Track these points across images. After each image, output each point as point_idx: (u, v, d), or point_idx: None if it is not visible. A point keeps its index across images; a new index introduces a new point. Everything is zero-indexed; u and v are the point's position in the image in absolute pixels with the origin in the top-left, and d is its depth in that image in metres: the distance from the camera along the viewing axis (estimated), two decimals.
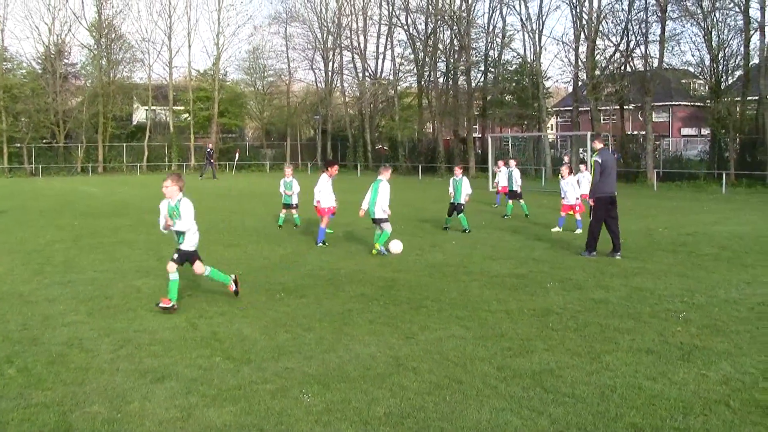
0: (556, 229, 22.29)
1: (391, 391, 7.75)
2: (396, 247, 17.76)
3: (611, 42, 54.68)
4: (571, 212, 22.55)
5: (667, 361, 8.82)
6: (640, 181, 49.40)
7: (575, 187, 22.64)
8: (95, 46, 71.41)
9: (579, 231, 21.51)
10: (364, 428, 6.80)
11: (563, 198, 22.67)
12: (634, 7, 52.42)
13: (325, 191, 19.24)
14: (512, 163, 29.66)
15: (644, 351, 9.24)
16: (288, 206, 23.24)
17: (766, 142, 45.37)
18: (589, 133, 41.18)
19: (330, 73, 77.19)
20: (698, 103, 62.75)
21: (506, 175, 29.08)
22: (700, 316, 11.11)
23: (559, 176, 23.73)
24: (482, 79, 65.61)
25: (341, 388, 7.86)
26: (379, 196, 17.86)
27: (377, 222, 18.05)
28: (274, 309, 11.67)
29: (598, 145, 18.00)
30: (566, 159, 43.43)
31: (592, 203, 17.71)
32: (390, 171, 18.76)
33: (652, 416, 7.07)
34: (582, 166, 25.46)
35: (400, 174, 64.00)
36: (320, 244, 18.98)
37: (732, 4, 48.35)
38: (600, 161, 17.32)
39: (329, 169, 19.50)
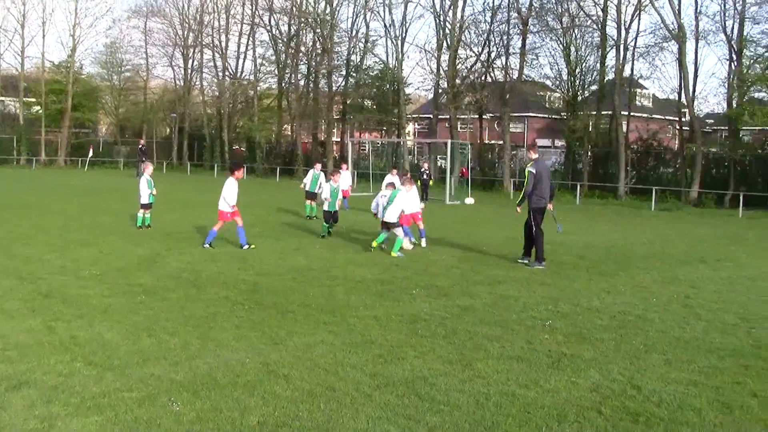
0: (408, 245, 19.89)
1: (263, 399, 7.53)
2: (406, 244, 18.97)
3: (473, 52, 55.69)
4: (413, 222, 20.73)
5: (537, 368, 8.89)
6: (497, 190, 50.34)
7: (415, 196, 20.71)
8: None
9: (424, 242, 20.50)
10: None
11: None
12: (497, 19, 53.58)
13: (235, 195, 18.70)
14: (318, 166, 29.87)
15: (514, 358, 9.28)
16: (147, 206, 22.52)
17: (618, 155, 46.87)
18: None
19: (189, 71, 75.98)
20: (554, 116, 64.41)
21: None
22: (565, 325, 11.28)
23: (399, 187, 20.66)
24: (343, 83, 65.63)
25: (211, 396, 7.59)
26: (395, 204, 18.68)
27: (389, 226, 18.75)
28: (136, 312, 11.24)
29: (533, 155, 17.98)
30: (425, 166, 43.73)
31: (518, 211, 18.27)
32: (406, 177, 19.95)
33: (528, 424, 7.08)
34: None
35: (257, 176, 63.47)
36: (207, 246, 18.52)
37: (590, 22, 49.89)
38: (534, 172, 17.33)
39: (236, 172, 19.00)
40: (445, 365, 8.93)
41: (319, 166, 29.84)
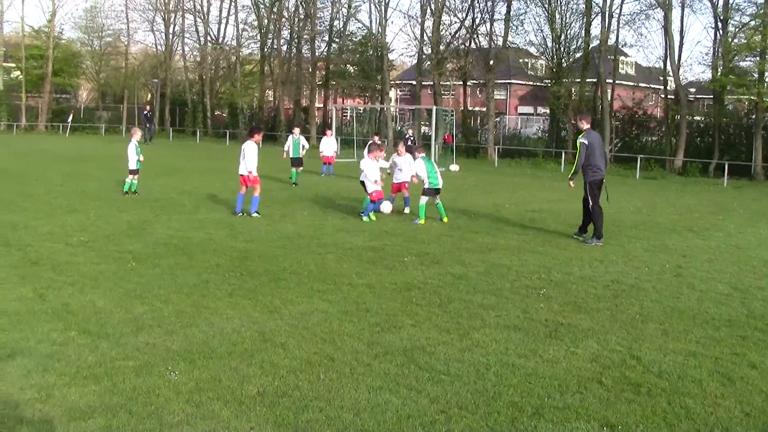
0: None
1: (261, 369, 7.44)
2: (387, 207, 18.82)
3: (457, 18, 55.38)
4: (401, 191, 20.48)
5: (535, 338, 8.84)
6: (481, 157, 50.27)
7: (411, 164, 20.04)
8: None
9: (407, 210, 20.34)
10: (239, 408, 6.47)
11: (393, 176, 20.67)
12: None
13: (255, 160, 18.78)
14: (296, 131, 29.98)
15: (511, 328, 9.23)
16: (135, 172, 22.32)
17: (603, 123, 46.82)
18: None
19: (171, 36, 75.24)
20: (537, 83, 64.28)
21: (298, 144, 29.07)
22: (559, 293, 11.24)
23: (395, 153, 20.98)
24: (326, 49, 65.22)
25: (209, 365, 7.49)
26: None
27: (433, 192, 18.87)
28: (127, 279, 11.11)
29: (585, 126, 17.18)
30: (410, 132, 43.52)
31: (571, 185, 17.29)
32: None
33: (530, 395, 7.02)
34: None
35: (240, 142, 62.95)
36: (255, 214, 18.45)
37: None
38: (586, 143, 16.41)
39: (255, 135, 19.23)
40: (442, 334, 8.86)
41: (297, 130, 29.81)
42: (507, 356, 8.11)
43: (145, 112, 58.83)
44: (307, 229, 16.86)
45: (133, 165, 22.32)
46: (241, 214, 18.53)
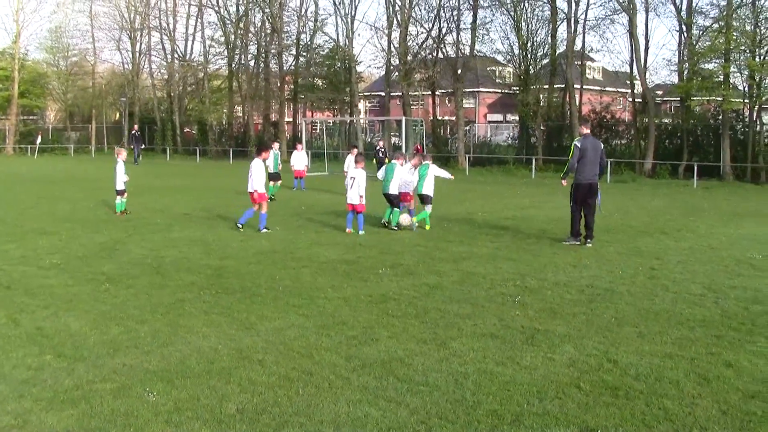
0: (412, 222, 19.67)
1: (240, 386, 7.42)
2: (406, 220, 19.13)
3: (424, 28, 55.52)
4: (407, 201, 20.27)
5: (512, 345, 8.87)
6: (452, 165, 50.33)
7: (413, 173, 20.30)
8: None
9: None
10: (219, 427, 6.46)
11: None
12: None
13: (263, 177, 19.20)
14: (276, 145, 30.73)
15: (488, 336, 9.26)
16: (122, 192, 22.28)
17: (572, 128, 47.07)
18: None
19: (137, 54, 74.84)
20: (506, 91, 64.53)
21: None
22: (534, 300, 11.29)
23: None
24: (294, 62, 65.15)
25: (187, 384, 7.46)
26: (427, 178, 19.64)
27: (424, 199, 19.60)
28: (102, 301, 11.05)
29: (584, 131, 17.85)
30: (381, 144, 43.51)
31: (563, 183, 17.89)
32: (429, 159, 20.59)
33: (509, 402, 7.05)
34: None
35: (210, 158, 62.99)
36: (264, 230, 18.66)
37: None
38: (579, 146, 17.03)
39: (263, 153, 19.84)
40: (419, 345, 8.87)
41: (277, 145, 30.35)
42: (485, 364, 8.14)
43: (133, 132, 58.11)
44: (280, 243, 16.83)
45: (120, 185, 22.29)
46: (240, 227, 18.70)
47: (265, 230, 18.56)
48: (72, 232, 18.20)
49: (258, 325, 9.74)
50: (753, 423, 6.63)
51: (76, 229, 18.74)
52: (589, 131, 17.91)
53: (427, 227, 19.19)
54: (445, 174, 20.65)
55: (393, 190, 19.51)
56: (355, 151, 28.82)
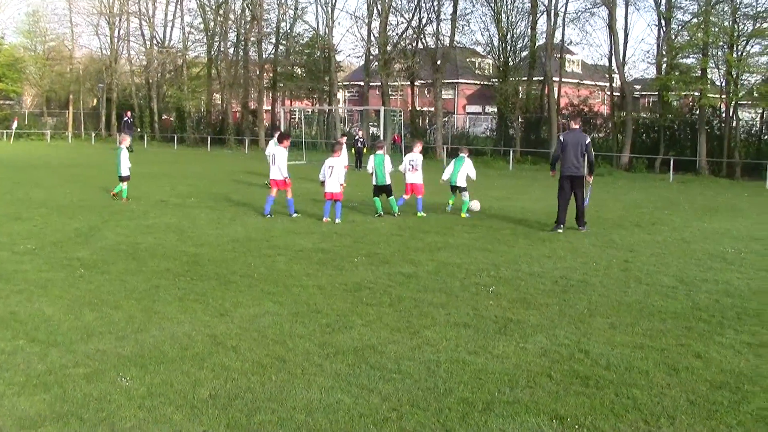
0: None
1: (213, 372, 7.45)
2: (476, 205, 20.32)
3: (404, 18, 55.49)
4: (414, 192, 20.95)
5: (485, 334, 8.93)
6: (430, 157, 50.37)
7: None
8: None
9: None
10: (192, 412, 6.48)
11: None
12: None
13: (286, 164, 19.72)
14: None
15: (461, 325, 9.32)
16: (126, 178, 22.62)
17: (550, 121, 47.25)
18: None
19: (116, 40, 74.35)
20: (485, 82, 64.59)
21: None
22: (509, 290, 11.36)
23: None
24: (273, 51, 64.96)
25: (160, 370, 7.48)
26: (462, 170, 20.64)
27: (458, 189, 20.72)
28: (76, 286, 11.03)
29: (573, 126, 19.08)
30: (360, 133, 43.56)
31: (552, 174, 18.84)
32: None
33: (480, 390, 7.11)
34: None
35: (188, 145, 62.84)
36: (295, 215, 19.39)
37: None
38: (561, 140, 18.24)
39: (285, 141, 20.07)
40: (393, 333, 8.92)
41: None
42: (457, 353, 8.20)
43: (126, 118, 57.25)
44: (257, 231, 16.83)
45: (125, 172, 22.54)
46: (270, 215, 19.16)
47: (295, 215, 19.37)
48: (47, 218, 18.13)
49: (232, 312, 9.76)
50: (720, 413, 6.72)
51: (52, 215, 18.67)
52: (577, 126, 18.95)
53: (463, 215, 20.13)
54: (472, 173, 21.06)
55: (388, 180, 20.23)
56: (343, 139, 29.42)
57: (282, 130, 39.28)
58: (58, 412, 6.41)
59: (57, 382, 7.08)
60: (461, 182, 20.61)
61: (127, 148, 23.76)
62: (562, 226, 17.76)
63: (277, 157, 19.52)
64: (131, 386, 7.03)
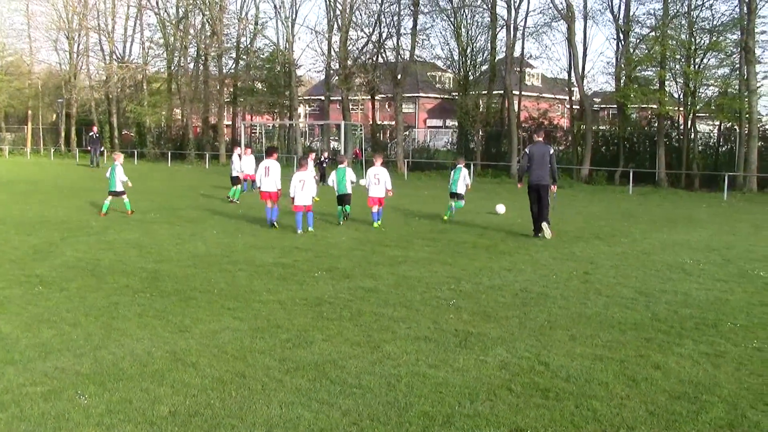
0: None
1: (173, 389, 7.39)
2: (501, 208, 24.50)
3: (364, 33, 55.68)
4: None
5: (445, 348, 8.94)
6: (391, 171, 50.40)
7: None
8: None
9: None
10: (151, 429, 6.42)
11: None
12: (387, 0, 53.39)
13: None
14: (237, 149, 33.02)
15: (422, 339, 9.32)
16: (121, 193, 23.09)
17: (510, 134, 47.51)
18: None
19: (75, 55, 73.88)
20: (445, 96, 64.90)
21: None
22: (469, 303, 11.38)
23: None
24: (234, 66, 64.88)
25: (119, 387, 7.41)
26: (460, 178, 23.26)
27: (457, 196, 23.31)
28: (34, 303, 10.91)
29: (536, 138, 20.32)
30: (325, 155, 43.49)
31: (519, 186, 20.95)
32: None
33: (440, 404, 7.11)
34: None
35: (148, 160, 62.51)
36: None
37: (480, 2, 50.30)
38: (527, 152, 19.64)
39: (275, 154, 21.53)
40: (353, 348, 8.91)
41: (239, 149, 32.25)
42: (418, 367, 8.20)
43: (91, 133, 56.69)
44: (217, 247, 16.75)
45: (119, 187, 23.03)
46: (276, 222, 20.28)
47: (276, 225, 20.09)
48: (5, 235, 17.92)
49: (192, 328, 9.70)
50: (678, 423, 6.77)
51: (9, 232, 18.46)
52: (541, 139, 20.14)
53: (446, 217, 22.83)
54: (468, 181, 23.92)
55: (348, 189, 21.60)
56: (312, 155, 30.58)
57: (243, 144, 39.59)
58: (16, 431, 6.33)
59: (14, 401, 7.00)
60: (461, 189, 23.20)
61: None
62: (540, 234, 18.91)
63: (272, 169, 20.68)
64: (90, 404, 6.95)
